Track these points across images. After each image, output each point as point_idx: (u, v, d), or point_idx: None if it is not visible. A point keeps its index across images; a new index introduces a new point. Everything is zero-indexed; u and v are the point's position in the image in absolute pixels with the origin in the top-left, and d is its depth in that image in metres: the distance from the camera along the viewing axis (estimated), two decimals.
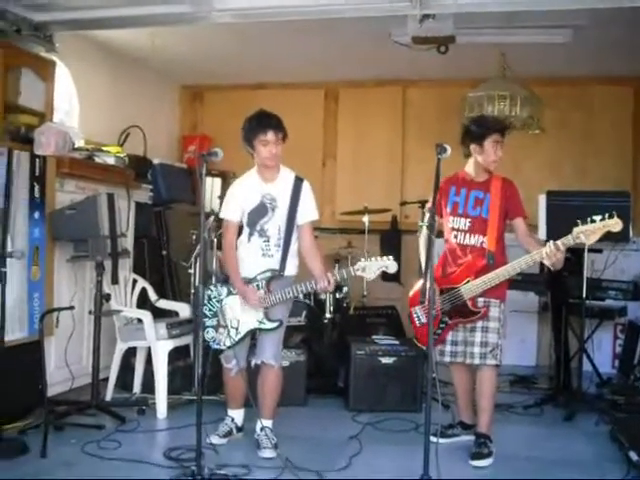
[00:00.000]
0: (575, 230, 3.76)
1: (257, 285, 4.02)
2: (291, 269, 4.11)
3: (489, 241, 4.08)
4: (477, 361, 4.06)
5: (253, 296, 3.99)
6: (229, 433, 4.24)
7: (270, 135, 3.94)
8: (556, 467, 3.93)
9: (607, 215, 3.71)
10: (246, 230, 4.11)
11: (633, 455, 3.82)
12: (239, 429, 4.30)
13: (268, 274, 4.03)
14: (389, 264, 3.88)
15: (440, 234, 4.23)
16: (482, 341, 4.05)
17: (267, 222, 4.05)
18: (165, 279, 6.20)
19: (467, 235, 4.14)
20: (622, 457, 3.96)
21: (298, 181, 4.09)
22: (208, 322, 4.08)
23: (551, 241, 3.84)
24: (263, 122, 3.98)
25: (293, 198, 4.05)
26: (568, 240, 3.79)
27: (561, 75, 6.79)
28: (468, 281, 4.03)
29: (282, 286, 4.02)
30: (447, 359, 4.19)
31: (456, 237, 4.17)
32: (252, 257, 4.07)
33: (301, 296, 4.63)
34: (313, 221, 4.14)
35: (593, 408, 4.90)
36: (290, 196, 4.05)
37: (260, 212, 4.06)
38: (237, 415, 4.30)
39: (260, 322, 4.03)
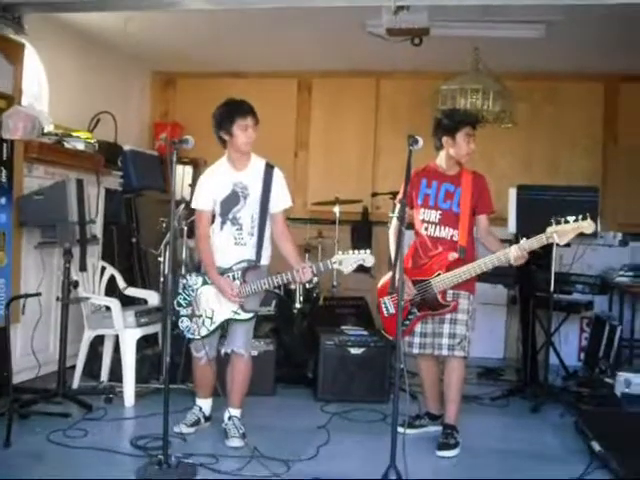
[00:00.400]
0: (549, 230, 3.81)
1: (233, 275, 4.01)
2: (265, 258, 4.10)
3: (460, 235, 4.10)
4: (445, 352, 4.09)
5: (229, 290, 3.98)
6: (196, 422, 4.22)
7: (249, 120, 3.95)
8: (521, 458, 3.99)
9: (581, 216, 3.76)
10: (218, 219, 4.09)
11: (596, 446, 3.89)
12: (207, 418, 4.29)
13: (244, 264, 4.01)
14: (366, 257, 3.86)
15: (410, 226, 4.25)
16: (450, 332, 4.07)
17: (239, 210, 4.03)
18: (134, 267, 6.17)
19: (437, 228, 4.16)
20: (586, 448, 4.02)
21: (269, 168, 4.07)
22: (182, 311, 4.07)
23: (521, 242, 3.88)
24: (241, 107, 3.98)
25: (265, 186, 4.03)
26: (541, 240, 3.83)
27: (534, 70, 6.84)
28: (439, 274, 4.05)
29: (257, 276, 4.01)
30: (415, 350, 4.21)
31: (427, 229, 4.19)
32: (225, 245, 4.06)
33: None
34: (286, 209, 4.14)
35: (559, 400, 4.98)
36: (262, 184, 4.03)
37: (232, 201, 4.04)
38: (205, 404, 4.29)
39: (235, 312, 4.02)
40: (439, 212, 4.16)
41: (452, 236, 4.12)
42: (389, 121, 7.40)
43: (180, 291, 4.10)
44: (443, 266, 4.05)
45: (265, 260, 4.10)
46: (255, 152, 4.10)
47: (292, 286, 5.75)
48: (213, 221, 4.14)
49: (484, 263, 3.97)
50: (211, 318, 4.04)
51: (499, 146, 6.95)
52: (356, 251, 3.89)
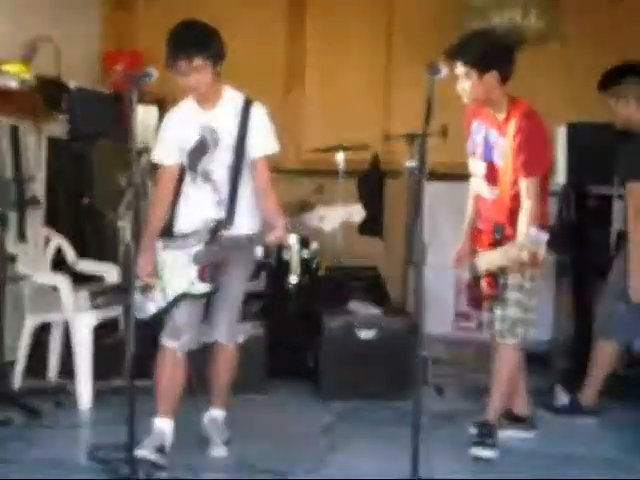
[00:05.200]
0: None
1: (197, 237, 3.95)
2: (246, 224, 3.99)
3: (499, 205, 4.13)
4: (497, 339, 4.17)
5: (142, 265, 3.93)
6: (162, 449, 3.91)
7: (182, 64, 3.78)
8: (573, 465, 4.02)
9: None
10: (189, 174, 4.06)
11: None
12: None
13: (213, 224, 3.93)
14: (353, 211, 3.69)
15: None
16: (501, 315, 4.13)
17: (210, 162, 3.97)
18: (87, 235, 6.17)
19: (483, 183, 4.19)
20: None
21: (247, 104, 3.99)
22: (136, 282, 4.04)
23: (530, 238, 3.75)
24: (173, 45, 3.82)
25: (241, 127, 3.95)
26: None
27: None
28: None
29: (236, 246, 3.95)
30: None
31: (476, 184, 4.26)
32: (202, 208, 4.00)
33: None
34: (269, 155, 4.03)
35: (619, 393, 4.99)
36: (238, 125, 3.95)
37: (200, 150, 3.98)
38: (168, 427, 3.98)
39: (191, 284, 3.92)
40: (484, 164, 4.17)
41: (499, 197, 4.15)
42: (405, 46, 7.35)
43: None
44: (485, 245, 4.13)
45: (247, 227, 3.98)
46: (236, 88, 4.05)
47: (285, 254, 5.75)
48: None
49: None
50: (164, 290, 3.99)
51: (543, 74, 6.89)
52: (340, 206, 3.79)
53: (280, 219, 3.77)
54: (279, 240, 3.84)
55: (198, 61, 3.79)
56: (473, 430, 4.20)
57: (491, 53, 4.07)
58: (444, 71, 3.41)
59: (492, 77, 4.04)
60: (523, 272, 4.07)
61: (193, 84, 3.85)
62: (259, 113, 3.99)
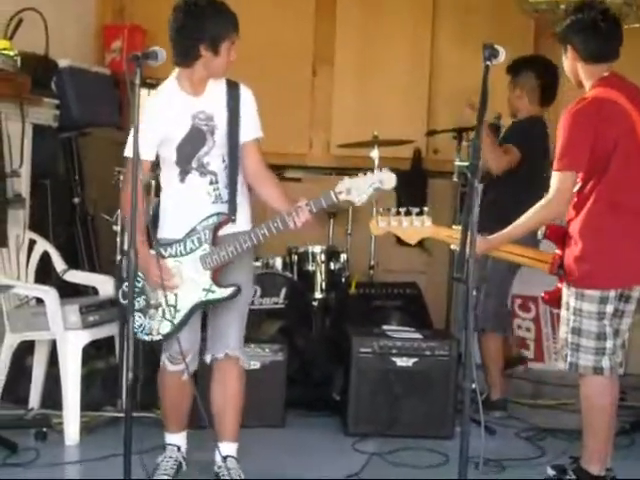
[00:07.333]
0: None
1: (198, 238, 4.01)
2: (245, 219, 4.12)
3: None
4: None
5: (154, 269, 3.94)
6: (179, 468, 4.20)
7: (237, 34, 4.01)
8: None
9: None
10: (173, 171, 4.09)
11: None
12: (184, 460, 4.27)
13: (213, 220, 4.00)
14: (384, 177, 3.83)
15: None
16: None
17: (208, 153, 4.05)
18: (78, 240, 6.20)
19: None
20: None
21: (232, 87, 4.09)
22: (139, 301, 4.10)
23: None
24: (232, 17, 3.99)
25: (231, 111, 4.05)
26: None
27: None
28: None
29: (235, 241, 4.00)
30: None
31: None
32: (198, 206, 4.05)
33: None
34: (259, 139, 4.15)
35: None
36: (227, 109, 4.05)
37: (195, 142, 4.04)
38: (182, 441, 4.28)
39: (208, 290, 3.98)
40: None
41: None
42: (453, 20, 7.36)
43: None
44: None
45: (244, 223, 4.11)
46: (254, 69, 4.09)
47: (309, 267, 5.77)
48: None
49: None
50: (174, 306, 4.01)
51: (621, 56, 6.86)
52: (367, 173, 3.87)
53: (301, 203, 3.87)
54: (305, 224, 3.88)
55: None
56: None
57: (567, 27, 4.22)
58: (502, 55, 3.43)
59: (570, 53, 4.22)
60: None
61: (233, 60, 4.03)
62: (248, 95, 4.13)
